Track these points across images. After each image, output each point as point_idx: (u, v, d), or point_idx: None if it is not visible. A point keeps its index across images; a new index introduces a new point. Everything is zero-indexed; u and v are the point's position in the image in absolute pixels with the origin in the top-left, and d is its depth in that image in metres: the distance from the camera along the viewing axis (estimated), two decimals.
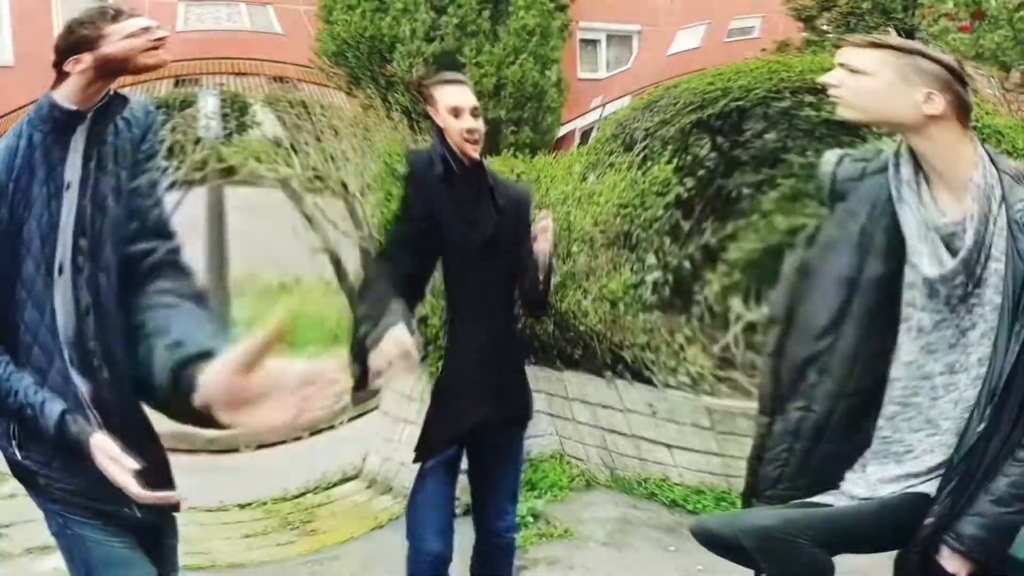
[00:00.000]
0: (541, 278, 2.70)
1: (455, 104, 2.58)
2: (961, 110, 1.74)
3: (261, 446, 5.73)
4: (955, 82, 1.73)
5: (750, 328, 4.70)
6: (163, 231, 1.95)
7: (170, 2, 9.56)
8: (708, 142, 4.91)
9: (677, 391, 4.74)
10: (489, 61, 8.95)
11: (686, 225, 4.86)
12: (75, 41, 1.79)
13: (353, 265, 6.88)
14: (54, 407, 1.75)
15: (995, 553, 1.72)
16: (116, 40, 1.79)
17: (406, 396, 4.98)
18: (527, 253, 2.78)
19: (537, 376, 5.16)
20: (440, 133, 2.61)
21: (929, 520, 1.75)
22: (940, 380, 1.77)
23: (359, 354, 2.21)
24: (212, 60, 8.34)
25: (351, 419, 5.80)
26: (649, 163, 4.94)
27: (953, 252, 1.72)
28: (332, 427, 5.75)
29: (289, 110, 7.62)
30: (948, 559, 1.73)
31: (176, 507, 1.95)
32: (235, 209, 7.32)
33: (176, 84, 7.65)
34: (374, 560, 2.89)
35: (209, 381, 1.50)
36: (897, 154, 1.81)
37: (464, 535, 2.81)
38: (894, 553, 1.86)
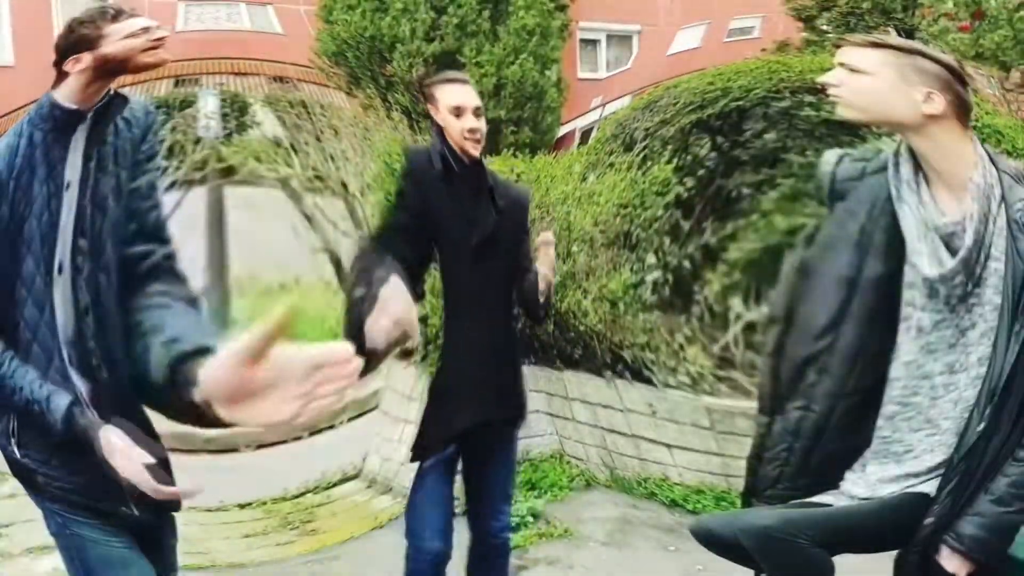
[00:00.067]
0: (542, 299, 2.71)
1: (458, 103, 2.57)
2: (961, 110, 1.74)
3: (261, 446, 5.73)
4: (955, 82, 1.73)
5: (750, 328, 4.70)
6: (160, 234, 1.95)
7: (170, 2, 9.56)
8: (708, 142, 4.91)
9: (677, 391, 4.74)
10: (489, 61, 8.95)
11: (686, 225, 4.86)
12: (75, 40, 1.79)
13: None
14: (61, 400, 1.75)
15: (995, 553, 1.72)
16: (116, 40, 1.79)
17: (406, 396, 4.99)
18: (525, 254, 2.78)
19: (537, 376, 5.16)
20: (440, 131, 2.60)
21: (929, 520, 1.74)
22: (940, 380, 1.77)
23: (356, 324, 2.11)
24: (212, 60, 8.35)
25: (351, 419, 5.80)
26: (649, 163, 4.94)
27: (953, 252, 1.72)
28: (332, 427, 5.76)
29: (289, 110, 7.63)
30: (948, 559, 1.73)
31: (175, 506, 1.95)
32: (235, 209, 7.32)
33: (176, 84, 7.66)
34: (374, 560, 2.89)
35: (210, 375, 1.44)
36: (897, 154, 1.81)
37: (460, 534, 2.81)
38: (894, 553, 1.86)
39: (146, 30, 1.82)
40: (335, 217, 7.02)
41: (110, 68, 1.81)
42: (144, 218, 1.92)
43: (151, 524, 1.91)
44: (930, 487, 1.76)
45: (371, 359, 2.23)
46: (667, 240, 4.86)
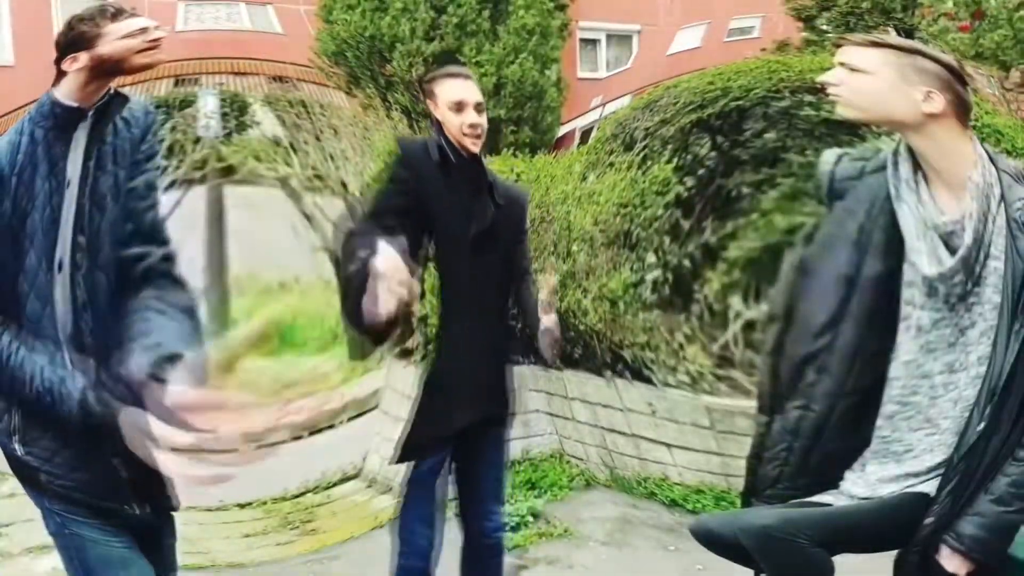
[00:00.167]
0: (553, 352, 2.67)
1: (459, 98, 2.54)
2: (960, 109, 1.74)
3: (261, 446, 5.72)
4: (955, 81, 1.73)
5: (749, 327, 4.70)
6: (157, 235, 1.95)
7: (170, 2, 9.56)
8: (708, 141, 4.91)
9: (677, 390, 4.74)
10: (489, 60, 8.96)
11: (686, 224, 4.86)
12: (73, 38, 1.80)
13: None
14: (74, 386, 1.72)
15: (995, 553, 1.72)
16: (112, 40, 1.80)
17: (406, 396, 4.98)
18: (523, 255, 2.78)
19: (537, 375, 5.17)
20: (438, 126, 2.57)
21: (929, 520, 1.74)
22: (939, 379, 1.77)
23: (355, 302, 2.05)
24: (212, 60, 8.35)
25: (351, 419, 5.81)
26: (649, 162, 4.94)
27: (952, 251, 1.72)
28: (332, 427, 5.76)
29: (289, 110, 7.63)
30: (948, 559, 1.73)
31: (174, 506, 1.95)
32: (235, 208, 7.33)
33: (176, 84, 7.66)
34: (374, 560, 2.90)
35: (177, 387, 1.55)
36: (896, 153, 1.81)
37: (453, 533, 2.80)
38: (894, 553, 1.86)
39: (143, 31, 1.82)
40: (335, 216, 7.02)
41: (105, 68, 1.81)
42: (141, 218, 1.92)
43: (151, 524, 1.91)
44: (930, 487, 1.76)
45: (381, 332, 2.20)
46: (667, 239, 4.86)
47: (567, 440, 5.29)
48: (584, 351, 5.00)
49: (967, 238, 1.70)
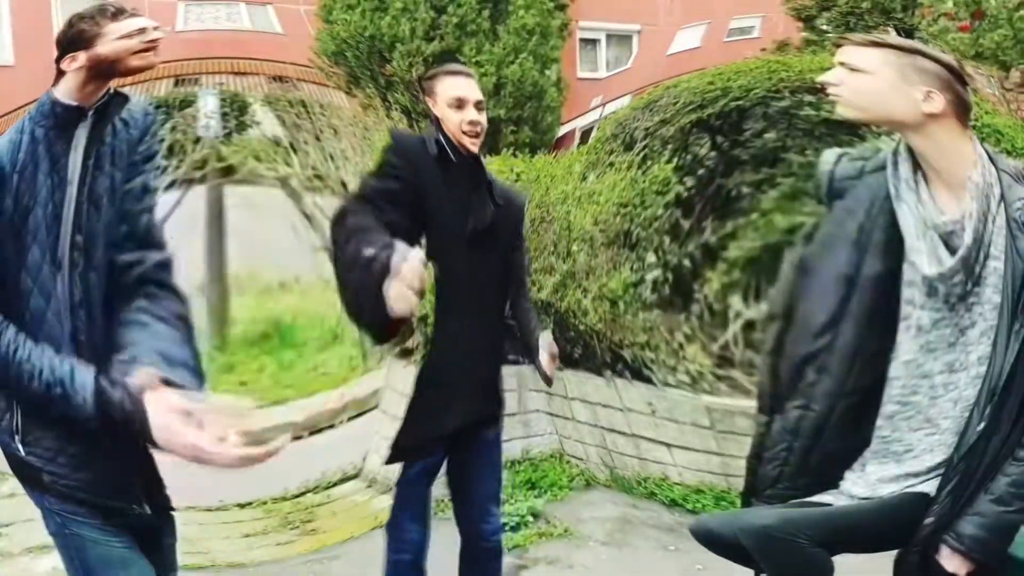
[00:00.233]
0: (551, 372, 2.90)
1: (459, 95, 2.53)
2: (960, 109, 1.74)
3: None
4: (955, 81, 1.73)
5: (749, 326, 4.70)
6: (152, 239, 1.95)
7: (170, 2, 9.56)
8: (708, 141, 4.91)
9: (676, 390, 4.74)
10: (489, 60, 8.96)
11: (686, 224, 4.86)
12: (73, 37, 1.80)
13: None
14: (86, 376, 1.71)
15: (995, 552, 1.72)
16: (111, 40, 1.80)
17: (406, 395, 4.98)
18: (520, 264, 2.77)
19: (537, 375, 5.16)
20: (437, 123, 2.56)
21: (929, 520, 1.74)
22: (939, 379, 1.77)
23: (369, 286, 2.03)
24: (212, 60, 8.35)
25: (351, 418, 5.81)
26: (649, 162, 4.94)
27: (952, 250, 1.72)
28: (332, 427, 5.76)
29: (288, 109, 7.63)
30: (948, 558, 1.73)
31: (170, 506, 1.95)
32: (235, 208, 7.32)
33: (176, 84, 7.66)
34: (374, 560, 2.90)
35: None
36: (896, 152, 1.81)
37: (452, 536, 2.80)
38: (894, 553, 1.86)
39: (142, 31, 1.82)
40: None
41: (103, 68, 1.81)
42: (136, 221, 1.92)
43: (151, 524, 1.91)
44: (930, 487, 1.76)
45: (393, 326, 2.19)
46: (667, 239, 4.86)
47: (567, 440, 5.29)
48: (584, 351, 5.00)
49: (967, 238, 1.70)
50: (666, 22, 12.98)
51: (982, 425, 1.70)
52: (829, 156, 1.93)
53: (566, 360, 5.11)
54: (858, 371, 1.82)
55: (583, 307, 4.87)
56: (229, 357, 6.68)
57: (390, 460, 2.67)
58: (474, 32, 9.03)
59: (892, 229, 1.78)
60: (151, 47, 1.83)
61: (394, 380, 5.30)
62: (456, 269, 2.54)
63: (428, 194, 2.46)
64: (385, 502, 4.80)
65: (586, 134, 10.05)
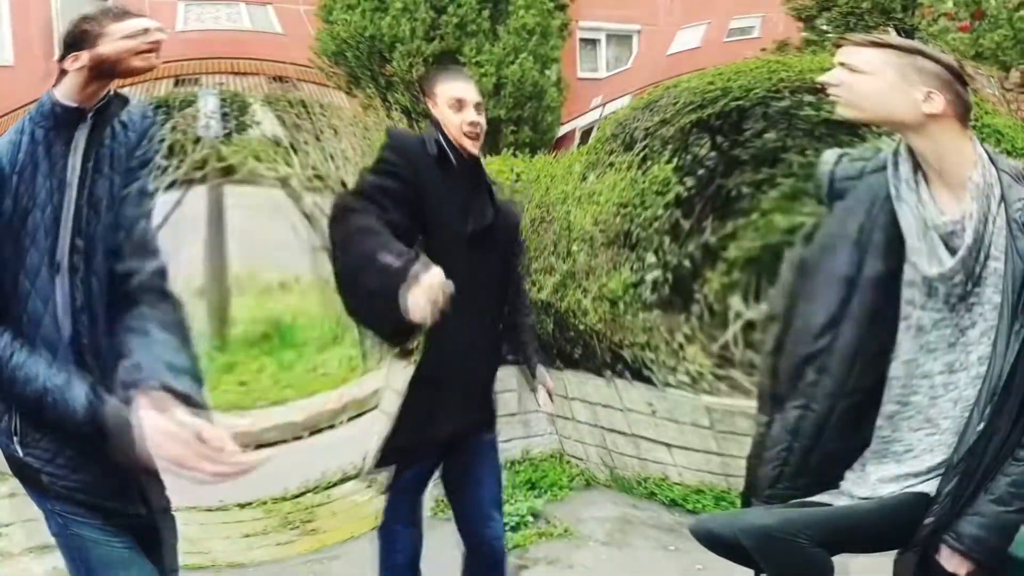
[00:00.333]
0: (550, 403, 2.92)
1: (459, 97, 2.54)
2: (961, 109, 1.74)
3: (260, 446, 5.73)
4: (955, 81, 1.73)
5: (749, 326, 4.70)
6: (148, 247, 1.94)
7: (170, 2, 9.56)
8: (708, 141, 4.91)
9: (676, 390, 4.74)
10: (489, 60, 8.96)
11: (686, 224, 4.86)
12: (77, 37, 1.80)
13: None
14: (80, 389, 1.72)
15: (995, 552, 1.72)
16: (113, 40, 1.80)
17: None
18: (517, 272, 2.77)
19: None
20: (437, 124, 2.56)
21: (929, 520, 1.74)
22: (939, 379, 1.77)
23: (386, 292, 2.04)
24: (212, 60, 8.34)
25: (351, 419, 5.80)
26: (649, 162, 4.94)
27: (952, 251, 1.72)
28: (332, 427, 5.76)
29: (289, 109, 7.62)
30: (948, 558, 1.73)
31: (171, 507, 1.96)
32: (235, 208, 7.32)
33: (176, 84, 7.65)
34: (374, 560, 2.91)
35: (135, 407, 1.64)
36: (896, 153, 1.81)
37: (453, 536, 2.80)
38: (894, 553, 1.86)
39: (145, 32, 1.82)
40: None
41: (103, 69, 1.81)
42: (133, 228, 1.92)
43: (152, 524, 1.91)
44: (930, 487, 1.76)
45: (408, 331, 2.19)
46: (667, 239, 4.86)
47: (567, 440, 5.29)
48: (584, 351, 5.00)
49: (967, 238, 1.70)
50: (666, 22, 12.98)
51: (982, 425, 1.70)
52: (829, 156, 1.94)
53: (566, 360, 5.11)
54: (858, 371, 1.82)
55: (583, 307, 4.87)
56: (229, 357, 6.67)
57: (379, 464, 2.66)
58: (474, 32, 9.03)
59: (892, 229, 1.78)
60: (153, 48, 1.83)
61: (394, 380, 5.30)
62: (454, 270, 2.50)
63: (427, 193, 2.46)
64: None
65: (586, 134, 10.05)
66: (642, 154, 4.99)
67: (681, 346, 4.80)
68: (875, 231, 1.81)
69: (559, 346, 5.08)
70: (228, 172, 7.20)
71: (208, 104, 7.45)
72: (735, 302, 4.78)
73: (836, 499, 1.86)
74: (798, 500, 1.87)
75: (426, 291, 2.00)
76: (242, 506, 4.88)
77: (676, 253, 4.86)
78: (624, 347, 4.82)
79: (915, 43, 1.80)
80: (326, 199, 6.98)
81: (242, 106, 7.68)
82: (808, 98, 4.53)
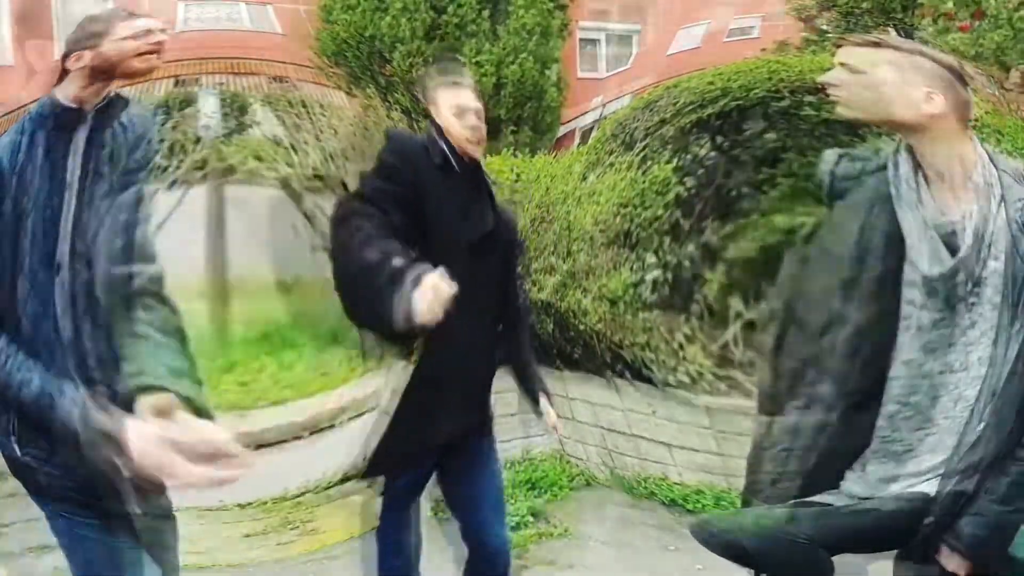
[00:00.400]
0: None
1: (461, 104, 2.54)
2: (961, 109, 1.74)
3: (260, 446, 5.73)
4: (955, 82, 1.73)
5: (749, 326, 4.70)
6: (146, 253, 1.95)
7: (170, 2, 9.56)
8: (708, 141, 4.91)
9: (677, 390, 4.74)
10: (489, 60, 8.95)
11: (686, 224, 4.86)
12: (82, 36, 1.81)
13: None
14: (74, 395, 1.72)
15: (995, 552, 1.72)
16: (116, 40, 1.80)
17: None
18: (514, 282, 2.78)
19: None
20: (439, 130, 2.56)
21: (929, 520, 1.75)
22: (939, 379, 1.77)
23: (388, 291, 2.06)
24: (212, 60, 8.34)
25: (351, 419, 5.80)
26: (649, 162, 4.94)
27: (952, 251, 1.72)
28: (332, 427, 5.76)
29: (289, 109, 7.62)
30: (948, 558, 1.73)
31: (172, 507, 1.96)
32: (235, 208, 7.32)
33: (176, 84, 7.65)
34: (374, 560, 2.91)
35: (139, 412, 1.67)
36: (896, 153, 1.81)
37: (441, 536, 2.79)
38: (894, 553, 1.86)
39: (148, 32, 1.82)
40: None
41: (105, 69, 1.81)
42: (130, 233, 1.91)
43: (153, 524, 1.91)
44: (930, 487, 1.76)
45: (412, 332, 2.20)
46: (667, 239, 4.86)
47: (567, 440, 5.29)
48: (584, 351, 4.99)
49: (967, 238, 1.71)
50: (666, 22, 12.98)
51: (982, 425, 1.70)
52: (830, 156, 1.94)
53: (566, 360, 5.11)
54: (858, 371, 1.82)
55: (583, 307, 4.87)
56: (229, 357, 6.67)
57: (369, 472, 2.66)
58: (474, 32, 9.03)
59: (892, 229, 1.78)
60: (155, 49, 1.83)
61: (394, 380, 5.29)
62: (454, 274, 2.52)
63: (427, 195, 2.46)
64: None
65: (586, 134, 10.04)
66: (642, 154, 4.99)
67: (681, 346, 4.80)
68: (875, 231, 1.81)
69: (559, 346, 5.08)
70: (228, 172, 7.20)
71: (208, 104, 7.45)
72: (735, 302, 4.78)
73: (836, 499, 1.86)
74: (798, 500, 1.87)
75: (431, 291, 2.02)
76: (242, 506, 4.88)
77: (676, 253, 4.86)
78: (624, 347, 4.82)
79: (915, 43, 1.81)
80: (326, 199, 6.98)
81: (242, 106, 7.68)
82: (808, 98, 4.53)
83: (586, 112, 11.50)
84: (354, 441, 5.44)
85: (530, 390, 2.85)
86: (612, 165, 5.12)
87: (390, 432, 2.61)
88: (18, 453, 1.82)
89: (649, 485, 4.82)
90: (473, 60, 8.85)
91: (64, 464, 1.81)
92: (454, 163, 2.52)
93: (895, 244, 1.78)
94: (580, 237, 4.97)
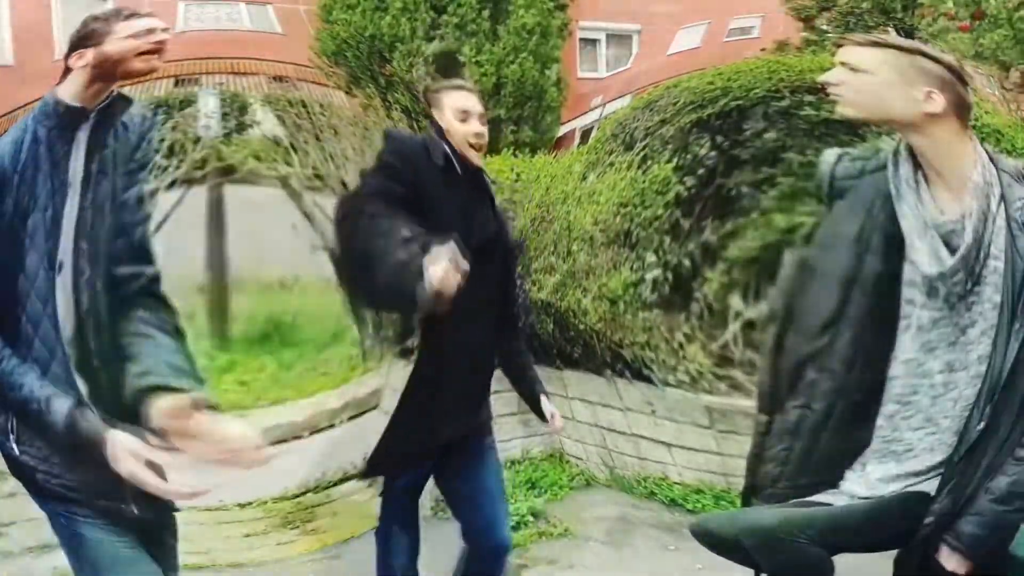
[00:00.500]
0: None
1: (465, 107, 2.54)
2: (961, 109, 1.74)
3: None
4: (955, 81, 1.73)
5: (749, 326, 4.70)
6: (146, 253, 1.97)
7: (170, 2, 9.55)
8: (708, 141, 4.91)
9: (676, 389, 4.74)
10: (489, 60, 8.96)
11: (686, 223, 4.86)
12: (85, 35, 1.81)
13: None
14: (62, 403, 1.75)
15: (994, 551, 1.72)
16: (118, 39, 1.80)
17: None
18: (512, 292, 2.78)
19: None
20: (440, 132, 2.56)
21: (929, 519, 1.75)
22: (939, 378, 1.77)
23: (402, 266, 2.10)
24: (212, 60, 8.34)
25: (351, 418, 5.80)
26: (649, 162, 4.94)
27: (952, 250, 1.73)
28: (332, 426, 5.76)
29: (288, 109, 7.63)
30: (948, 558, 1.73)
31: (175, 506, 1.96)
32: (235, 208, 7.33)
33: (176, 84, 7.65)
34: (374, 560, 2.92)
35: (156, 414, 1.74)
36: (896, 152, 1.81)
37: (441, 536, 2.79)
38: (894, 553, 1.86)
39: (150, 32, 1.82)
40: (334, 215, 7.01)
41: (107, 68, 1.81)
42: (132, 233, 1.93)
43: (153, 524, 1.91)
44: (930, 486, 1.77)
45: (427, 305, 2.20)
46: (667, 239, 4.86)
47: (567, 440, 5.29)
48: (584, 351, 4.99)
49: (967, 237, 1.71)
50: (666, 22, 12.97)
51: (982, 424, 1.70)
52: (829, 156, 1.94)
53: (566, 360, 5.11)
54: (858, 370, 1.82)
55: (583, 307, 4.87)
56: (229, 356, 6.67)
57: (369, 472, 2.66)
58: (474, 32, 9.03)
59: (892, 229, 1.79)
60: (157, 49, 1.84)
61: (394, 380, 5.30)
62: None
63: (428, 197, 2.45)
64: None
65: (586, 134, 10.04)
66: (642, 154, 4.99)
67: (681, 345, 4.80)
68: (875, 230, 1.81)
69: (559, 346, 5.08)
70: (228, 172, 7.21)
71: (208, 104, 7.46)
72: (735, 301, 4.78)
73: (836, 499, 1.86)
74: (798, 500, 1.87)
75: (445, 257, 2.05)
76: (242, 506, 4.88)
77: (676, 252, 4.86)
78: (624, 346, 4.82)
79: (916, 43, 1.81)
80: (326, 199, 6.99)
81: (242, 106, 7.68)
82: (808, 98, 4.53)
83: (586, 112, 11.50)
84: (354, 440, 5.45)
85: (530, 392, 2.85)
86: (612, 165, 5.12)
87: (390, 432, 2.61)
88: (16, 453, 1.83)
89: (649, 485, 4.82)
90: (473, 60, 8.86)
91: (61, 463, 1.81)
92: (456, 165, 2.52)
93: (895, 243, 1.78)
94: (580, 237, 4.97)
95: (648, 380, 4.81)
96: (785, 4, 9.73)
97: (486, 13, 9.11)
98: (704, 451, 4.68)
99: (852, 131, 3.99)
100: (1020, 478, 1.69)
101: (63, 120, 1.81)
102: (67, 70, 1.82)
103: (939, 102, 1.71)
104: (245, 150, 7.30)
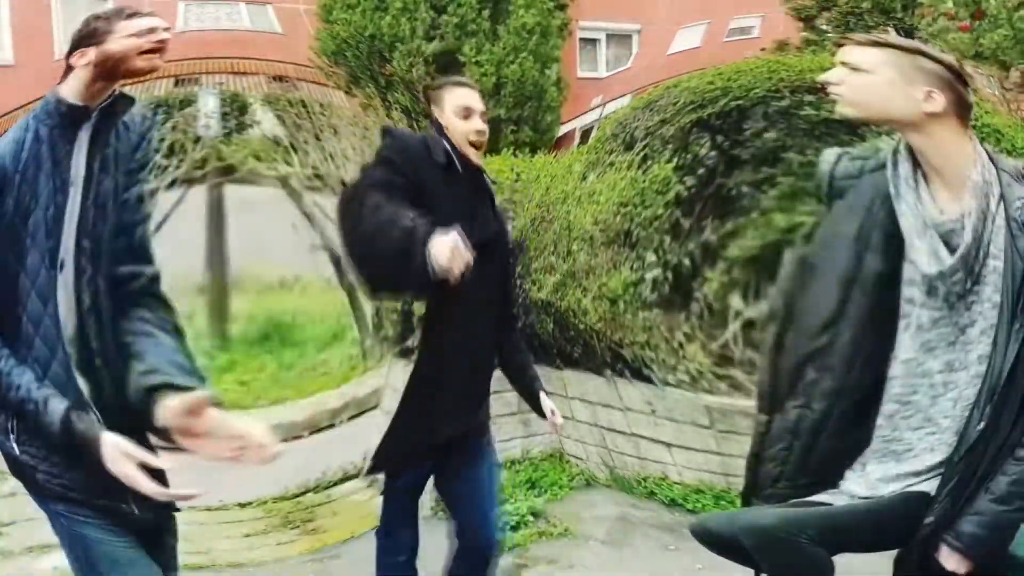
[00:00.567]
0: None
1: (467, 105, 2.54)
2: (961, 109, 1.74)
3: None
4: (955, 81, 1.73)
5: (749, 325, 4.70)
6: (146, 253, 1.98)
7: (170, 2, 9.55)
8: (708, 141, 4.91)
9: (676, 389, 4.74)
10: (489, 60, 8.96)
11: (686, 223, 4.86)
12: (87, 33, 1.81)
13: None
14: (58, 404, 1.75)
15: (994, 551, 1.72)
16: (120, 37, 1.80)
17: None
18: (510, 295, 2.78)
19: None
20: (441, 130, 2.56)
21: (929, 519, 1.74)
22: (939, 378, 1.77)
23: (409, 242, 2.14)
24: (212, 60, 8.35)
25: (351, 418, 5.81)
26: (649, 162, 4.94)
27: (952, 249, 1.72)
28: (332, 426, 5.77)
29: (288, 109, 7.64)
30: (948, 557, 1.73)
31: (175, 507, 1.96)
32: (235, 207, 7.33)
33: (176, 84, 7.66)
34: (374, 560, 2.92)
35: (165, 413, 1.76)
36: (896, 152, 1.81)
37: (441, 536, 2.80)
38: (894, 553, 1.86)
39: (152, 31, 1.82)
40: (334, 215, 7.02)
41: (108, 67, 1.81)
42: (132, 233, 1.93)
43: (152, 524, 1.91)
44: (930, 486, 1.76)
45: (433, 283, 2.21)
46: (667, 238, 4.86)
47: (567, 440, 5.29)
48: (584, 350, 4.99)
49: (967, 237, 1.70)
50: (666, 22, 12.97)
51: (982, 424, 1.70)
52: (829, 155, 1.94)
53: (566, 359, 5.11)
54: (858, 370, 1.82)
55: (583, 306, 4.87)
56: (229, 356, 6.68)
57: (372, 470, 2.67)
58: (474, 32, 9.04)
59: (892, 228, 1.78)
60: (159, 48, 1.84)
61: (394, 379, 5.30)
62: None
63: (427, 192, 2.45)
64: None
65: (586, 134, 10.05)
66: (642, 153, 4.99)
67: (681, 345, 4.80)
68: (875, 230, 1.81)
69: (559, 345, 5.08)
70: (228, 171, 7.21)
71: (208, 104, 7.46)
72: (735, 301, 4.78)
73: (836, 498, 1.86)
74: (798, 499, 1.87)
75: (451, 235, 2.11)
76: (242, 506, 4.88)
77: (676, 252, 4.86)
78: (624, 346, 4.82)
79: (916, 43, 1.81)
80: (326, 198, 6.99)
81: (242, 106, 7.69)
82: (808, 97, 4.53)
83: (586, 112, 11.50)
84: (354, 440, 5.45)
85: (529, 390, 2.85)
86: (612, 164, 5.12)
87: (390, 432, 2.61)
88: (16, 452, 1.83)
89: (649, 485, 4.82)
90: (473, 60, 8.86)
91: (60, 463, 1.81)
92: (457, 163, 2.52)
93: (894, 243, 1.78)
94: (580, 236, 4.97)
95: (648, 380, 4.81)
96: (785, 4, 9.75)
97: (486, 13, 9.11)
98: (704, 451, 4.68)
99: (852, 131, 3.99)
100: (1020, 478, 1.69)
101: (65, 119, 1.81)
102: (69, 69, 1.82)
103: (939, 101, 1.71)
104: (245, 150, 7.31)
